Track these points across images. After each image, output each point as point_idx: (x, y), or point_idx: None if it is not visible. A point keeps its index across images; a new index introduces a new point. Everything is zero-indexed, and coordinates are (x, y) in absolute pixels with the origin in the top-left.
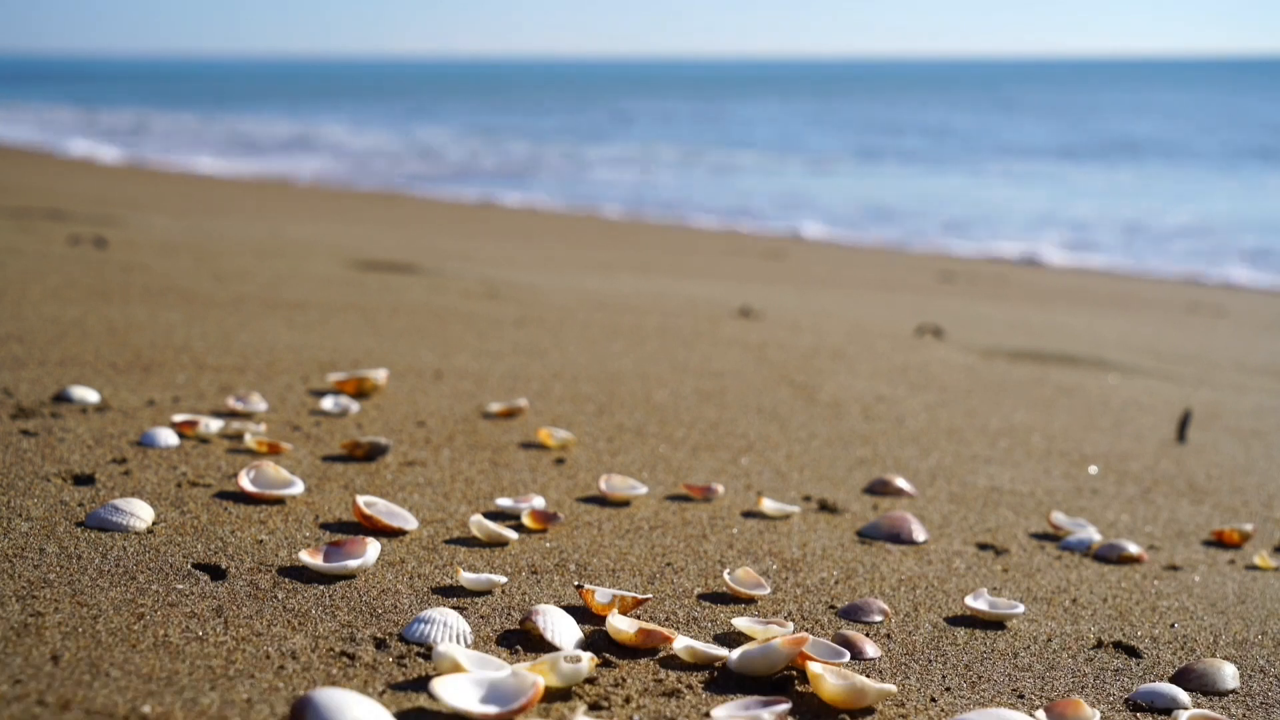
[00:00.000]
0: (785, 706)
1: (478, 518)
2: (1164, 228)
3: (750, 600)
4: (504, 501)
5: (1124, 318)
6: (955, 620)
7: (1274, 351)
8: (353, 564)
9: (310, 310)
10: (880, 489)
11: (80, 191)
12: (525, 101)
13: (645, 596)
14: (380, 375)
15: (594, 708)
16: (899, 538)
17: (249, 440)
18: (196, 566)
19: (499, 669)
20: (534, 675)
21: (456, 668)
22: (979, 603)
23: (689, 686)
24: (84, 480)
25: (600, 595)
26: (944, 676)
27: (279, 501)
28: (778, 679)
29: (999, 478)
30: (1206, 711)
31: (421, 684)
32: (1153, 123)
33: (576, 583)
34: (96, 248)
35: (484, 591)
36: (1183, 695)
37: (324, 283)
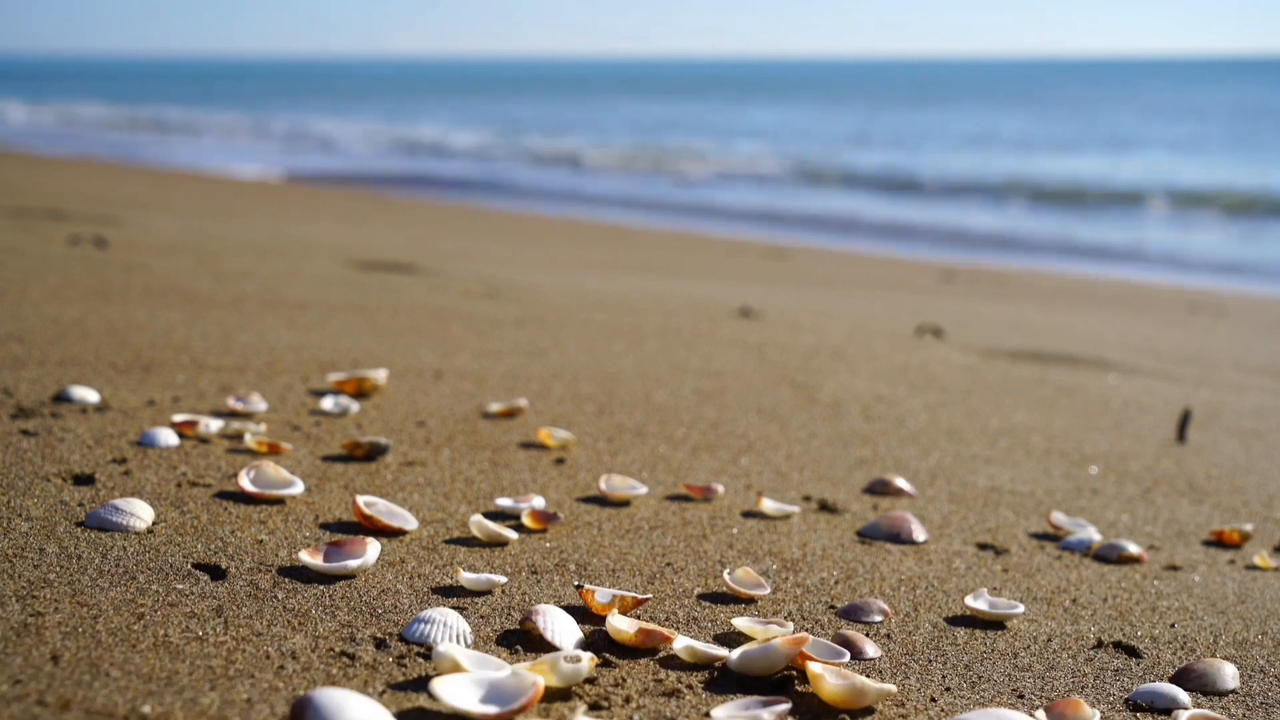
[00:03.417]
0: (785, 706)
1: (478, 518)
2: None
3: (750, 600)
4: (504, 501)
5: (1124, 318)
6: (955, 620)
7: (1274, 351)
8: (353, 564)
9: (310, 310)
10: (880, 489)
11: (80, 191)
12: (526, 102)
13: (645, 596)
14: (380, 375)
15: (594, 708)
16: (899, 538)
17: (249, 440)
18: (196, 566)
19: (499, 669)
20: (534, 675)
21: (456, 668)
22: (979, 603)
23: (689, 686)
24: (84, 480)
25: (600, 595)
26: (944, 676)
27: (279, 501)
28: (778, 679)
29: (999, 478)
30: (1206, 711)
31: (421, 684)
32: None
33: (576, 583)
34: (96, 248)
35: (484, 591)
36: (1183, 695)
37: (324, 283)
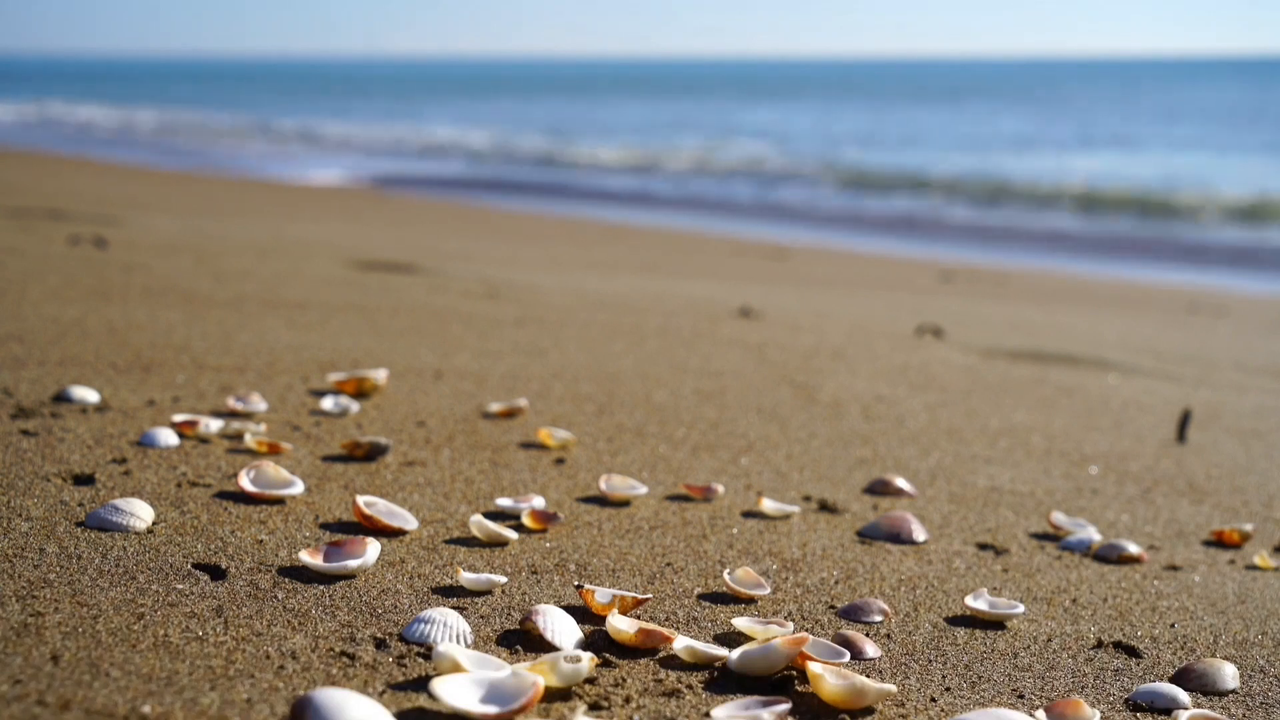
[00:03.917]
0: (785, 706)
1: (478, 518)
2: None
3: (750, 600)
4: (504, 501)
5: (1124, 318)
6: (955, 620)
7: (1274, 351)
8: (353, 564)
9: (310, 310)
10: (880, 489)
11: (80, 191)
12: (525, 102)
13: (645, 596)
14: (380, 375)
15: (594, 708)
16: (899, 538)
17: (249, 440)
18: (196, 566)
19: (499, 669)
20: (534, 675)
21: (456, 668)
22: (979, 603)
23: (689, 686)
24: (84, 480)
25: (600, 595)
26: (944, 676)
27: (279, 501)
28: (778, 679)
29: (999, 478)
30: (1206, 711)
31: (421, 684)
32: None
33: (576, 583)
34: (96, 248)
35: (484, 591)
36: (1183, 695)
37: (324, 283)
